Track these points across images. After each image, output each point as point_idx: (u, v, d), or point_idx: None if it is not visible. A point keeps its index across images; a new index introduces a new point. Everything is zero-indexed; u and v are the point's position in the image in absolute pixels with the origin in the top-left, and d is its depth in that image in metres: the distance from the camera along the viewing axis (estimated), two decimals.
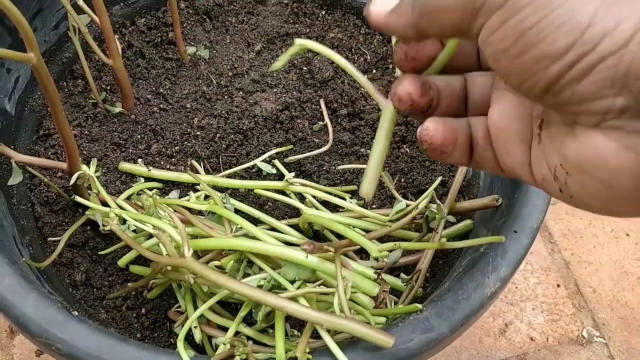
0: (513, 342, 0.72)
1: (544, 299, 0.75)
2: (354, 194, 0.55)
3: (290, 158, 0.56)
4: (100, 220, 0.49)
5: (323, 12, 0.66)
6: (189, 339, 0.48)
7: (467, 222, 0.49)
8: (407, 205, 0.47)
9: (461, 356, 0.71)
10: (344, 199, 0.51)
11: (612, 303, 0.75)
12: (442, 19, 0.25)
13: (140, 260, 0.50)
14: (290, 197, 0.51)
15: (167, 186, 0.55)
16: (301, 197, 0.52)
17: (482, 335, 0.73)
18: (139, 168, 0.54)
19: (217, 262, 0.42)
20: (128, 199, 0.52)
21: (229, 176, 0.55)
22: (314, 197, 0.50)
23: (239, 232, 0.45)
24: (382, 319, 0.40)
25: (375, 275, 0.41)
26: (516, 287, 0.76)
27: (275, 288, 0.41)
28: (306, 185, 0.49)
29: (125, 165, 0.55)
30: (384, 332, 0.35)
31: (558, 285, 0.76)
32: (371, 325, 0.36)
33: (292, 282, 0.41)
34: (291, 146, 0.57)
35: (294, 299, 0.38)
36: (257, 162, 0.54)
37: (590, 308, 0.75)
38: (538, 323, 0.73)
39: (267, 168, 0.54)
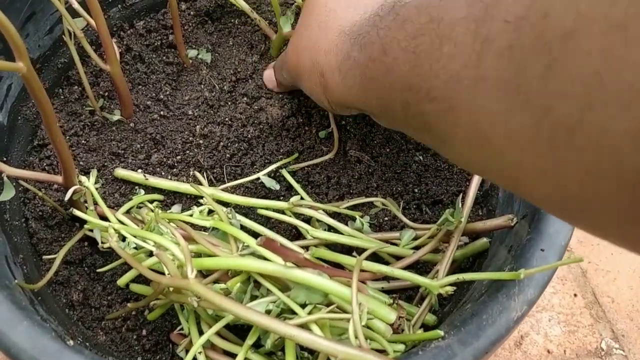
0: (529, 355, 0.69)
1: (561, 309, 0.72)
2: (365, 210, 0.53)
3: (293, 166, 0.53)
4: (99, 237, 0.46)
5: None
6: None
7: (483, 240, 0.46)
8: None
9: None
10: (354, 218, 0.48)
11: (632, 313, 0.72)
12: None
13: (141, 278, 0.47)
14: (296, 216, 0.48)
15: (169, 198, 0.52)
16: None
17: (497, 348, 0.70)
18: (136, 175, 0.51)
19: (222, 285, 0.40)
20: (127, 212, 0.49)
21: (233, 188, 0.52)
22: (324, 212, 0.48)
23: (245, 250, 0.42)
24: (401, 346, 0.38)
25: (391, 300, 0.39)
26: None
27: (285, 312, 0.39)
28: (312, 207, 0.46)
29: (121, 172, 0.52)
30: None
31: (575, 295, 0.73)
32: (389, 357, 0.33)
33: (303, 306, 0.38)
34: (295, 155, 0.54)
35: (305, 325, 0.36)
36: (261, 175, 0.52)
37: (608, 318, 0.72)
38: (555, 335, 0.71)
39: (271, 184, 0.52)
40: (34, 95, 0.37)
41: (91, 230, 0.47)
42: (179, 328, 0.45)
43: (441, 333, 0.37)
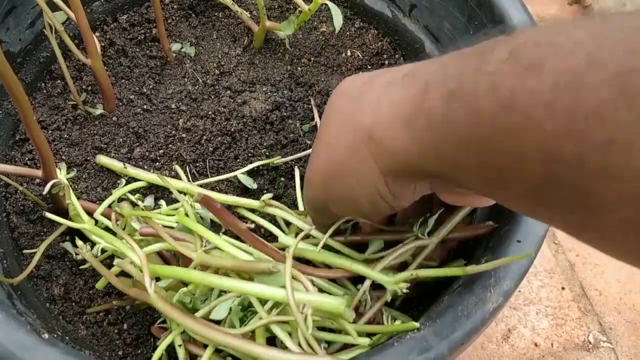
0: (516, 348, 0.69)
1: (549, 303, 0.72)
2: None
3: (277, 160, 0.53)
4: (71, 249, 0.47)
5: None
6: (174, 357, 0.45)
7: (460, 263, 0.45)
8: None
9: None
10: None
11: (619, 306, 0.72)
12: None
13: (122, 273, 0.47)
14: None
15: (151, 190, 0.52)
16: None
17: (485, 342, 0.70)
18: (116, 163, 0.51)
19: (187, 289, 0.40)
20: (109, 207, 0.49)
21: (214, 184, 0.52)
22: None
23: (210, 245, 0.42)
24: (366, 340, 0.38)
25: (342, 291, 0.39)
26: (519, 291, 0.73)
27: (252, 306, 0.38)
28: (281, 209, 0.46)
29: (103, 159, 0.52)
30: None
31: (563, 288, 0.74)
32: (336, 357, 0.34)
33: (264, 303, 0.38)
34: (275, 159, 0.53)
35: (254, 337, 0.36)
36: (239, 173, 0.51)
37: (596, 312, 0.72)
38: (542, 328, 0.71)
39: (248, 182, 0.51)
40: (9, 88, 0.37)
41: (66, 235, 0.47)
42: (159, 321, 0.45)
43: (416, 324, 0.36)
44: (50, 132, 0.54)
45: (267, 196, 0.46)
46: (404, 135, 0.29)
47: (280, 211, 0.46)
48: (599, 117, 0.20)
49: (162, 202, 0.49)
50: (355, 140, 0.31)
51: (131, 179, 0.52)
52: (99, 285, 0.45)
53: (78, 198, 0.49)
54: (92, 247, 0.44)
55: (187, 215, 0.42)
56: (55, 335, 0.38)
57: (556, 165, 0.22)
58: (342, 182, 0.34)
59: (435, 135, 0.27)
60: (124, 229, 0.44)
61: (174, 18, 0.61)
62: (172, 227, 0.44)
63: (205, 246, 0.40)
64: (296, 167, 0.53)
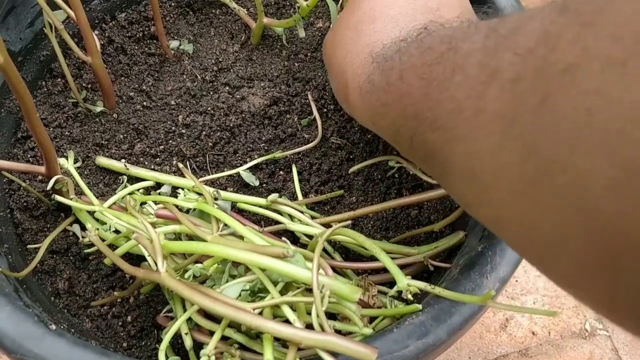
0: (514, 337, 0.70)
1: (545, 292, 0.73)
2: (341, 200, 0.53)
3: (277, 155, 0.54)
4: (79, 232, 0.47)
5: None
6: (179, 346, 0.46)
7: (459, 234, 0.46)
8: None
9: (462, 352, 0.69)
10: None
11: None
12: None
13: (127, 257, 0.48)
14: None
15: (154, 188, 0.53)
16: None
17: (483, 331, 0.71)
18: (116, 164, 0.52)
19: (200, 265, 0.41)
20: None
21: (214, 181, 0.53)
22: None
23: (226, 230, 0.43)
24: (369, 331, 0.38)
25: (359, 279, 0.40)
26: (516, 281, 0.74)
27: (263, 291, 0.39)
28: (288, 206, 0.47)
29: (102, 160, 0.53)
30: (365, 345, 0.33)
31: None
32: (351, 339, 0.34)
33: (276, 284, 0.39)
34: (277, 153, 0.54)
35: (277, 308, 0.37)
36: (241, 170, 0.52)
37: None
38: (539, 317, 0.72)
39: (250, 179, 0.52)
40: (12, 86, 0.38)
41: (72, 224, 0.48)
42: (164, 310, 0.46)
43: (419, 306, 0.37)
44: (51, 129, 0.54)
45: (273, 196, 0.48)
46: (359, 98, 0.39)
47: (288, 207, 0.47)
48: (432, 96, 0.29)
49: (181, 192, 0.50)
50: (340, 74, 0.43)
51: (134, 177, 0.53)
52: (107, 261, 0.46)
53: (80, 194, 0.50)
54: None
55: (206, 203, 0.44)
56: (62, 327, 0.39)
57: (415, 122, 0.30)
58: (330, 76, 0.47)
59: (370, 103, 0.36)
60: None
61: (171, 16, 0.62)
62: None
63: (221, 231, 0.41)
64: (293, 165, 0.54)
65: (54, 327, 0.37)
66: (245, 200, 0.50)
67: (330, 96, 0.58)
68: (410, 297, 0.38)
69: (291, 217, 0.49)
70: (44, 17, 0.50)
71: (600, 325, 0.71)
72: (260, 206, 0.50)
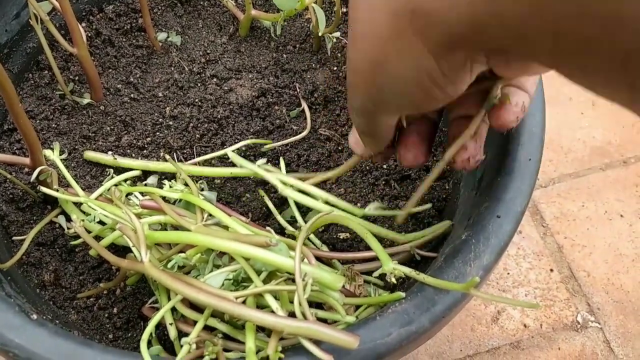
0: (506, 330, 0.70)
1: (537, 285, 0.73)
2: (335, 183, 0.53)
3: (266, 147, 0.54)
4: (64, 223, 0.47)
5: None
6: (166, 337, 0.46)
7: (446, 223, 0.46)
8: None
9: (453, 345, 0.69)
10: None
11: (607, 287, 0.73)
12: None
13: (114, 247, 0.48)
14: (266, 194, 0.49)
15: (141, 180, 0.53)
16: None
17: (474, 324, 0.71)
18: (105, 157, 0.52)
19: (184, 255, 0.40)
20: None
21: (202, 164, 0.53)
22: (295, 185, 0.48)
23: (210, 220, 0.43)
24: (352, 318, 0.38)
25: (345, 269, 0.39)
26: (508, 273, 0.74)
27: (247, 280, 0.39)
28: (277, 172, 0.47)
29: (90, 154, 0.52)
30: (347, 333, 0.33)
31: (551, 270, 0.74)
32: (333, 327, 0.34)
33: (260, 273, 0.39)
34: (267, 141, 0.54)
35: (260, 296, 0.36)
36: (229, 151, 0.52)
37: (584, 292, 0.73)
38: (531, 309, 0.72)
39: (239, 162, 0.52)
40: None
41: (55, 224, 0.48)
42: (150, 301, 0.46)
43: (402, 294, 0.37)
44: (38, 121, 0.54)
45: (261, 161, 0.47)
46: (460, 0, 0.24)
47: (277, 174, 0.47)
48: None
49: (166, 183, 0.49)
50: (394, 21, 0.26)
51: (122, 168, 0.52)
52: (93, 252, 0.46)
53: (67, 186, 0.50)
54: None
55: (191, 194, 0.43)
56: (45, 317, 0.39)
57: None
58: (387, 74, 0.29)
59: None
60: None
61: (159, 8, 0.61)
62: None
63: (205, 221, 0.41)
64: (281, 157, 0.54)
65: (35, 316, 0.37)
66: (235, 174, 0.49)
67: (319, 87, 0.57)
68: (394, 280, 0.37)
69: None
70: (30, 8, 0.50)
71: (592, 317, 0.71)
72: (247, 176, 0.50)
